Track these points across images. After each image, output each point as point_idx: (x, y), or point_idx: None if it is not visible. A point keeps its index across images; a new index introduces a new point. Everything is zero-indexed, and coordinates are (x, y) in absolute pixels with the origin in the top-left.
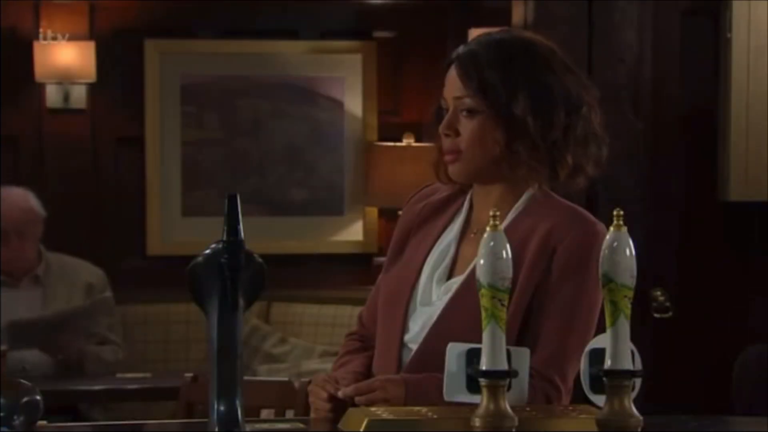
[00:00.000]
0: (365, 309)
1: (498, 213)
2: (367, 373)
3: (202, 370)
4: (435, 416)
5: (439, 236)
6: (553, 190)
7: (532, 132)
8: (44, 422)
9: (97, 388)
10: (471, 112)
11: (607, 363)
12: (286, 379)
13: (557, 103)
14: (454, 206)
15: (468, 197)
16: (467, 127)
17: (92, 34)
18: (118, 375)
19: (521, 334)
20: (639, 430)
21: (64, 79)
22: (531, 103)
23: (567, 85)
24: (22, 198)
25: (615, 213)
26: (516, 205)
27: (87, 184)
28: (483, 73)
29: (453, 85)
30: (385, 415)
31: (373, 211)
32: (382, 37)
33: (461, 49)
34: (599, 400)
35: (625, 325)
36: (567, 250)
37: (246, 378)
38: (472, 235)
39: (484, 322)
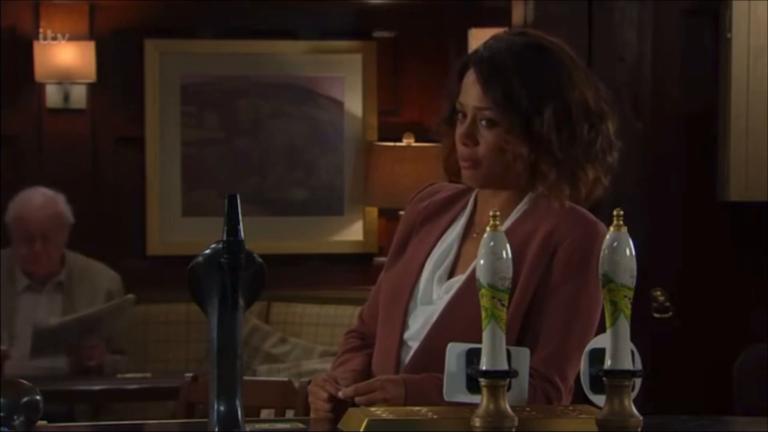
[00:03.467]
0: (366, 306)
1: (498, 213)
2: (366, 372)
3: (202, 370)
4: (435, 416)
5: (441, 235)
6: (574, 202)
7: (556, 150)
8: (44, 422)
9: (96, 388)
10: (492, 123)
11: (607, 363)
12: (286, 379)
13: (578, 119)
14: (457, 205)
15: (472, 197)
16: (487, 138)
17: (92, 34)
18: (118, 375)
19: (521, 333)
20: (639, 430)
21: (64, 79)
22: (555, 120)
23: (587, 99)
24: (51, 201)
25: (615, 213)
26: (518, 207)
27: (87, 184)
28: (506, 85)
29: (473, 93)
30: (385, 415)
31: (373, 211)
32: (382, 37)
33: (480, 53)
34: (599, 400)
35: (625, 325)
36: (568, 250)
37: (246, 378)
38: (475, 235)
39: (484, 322)
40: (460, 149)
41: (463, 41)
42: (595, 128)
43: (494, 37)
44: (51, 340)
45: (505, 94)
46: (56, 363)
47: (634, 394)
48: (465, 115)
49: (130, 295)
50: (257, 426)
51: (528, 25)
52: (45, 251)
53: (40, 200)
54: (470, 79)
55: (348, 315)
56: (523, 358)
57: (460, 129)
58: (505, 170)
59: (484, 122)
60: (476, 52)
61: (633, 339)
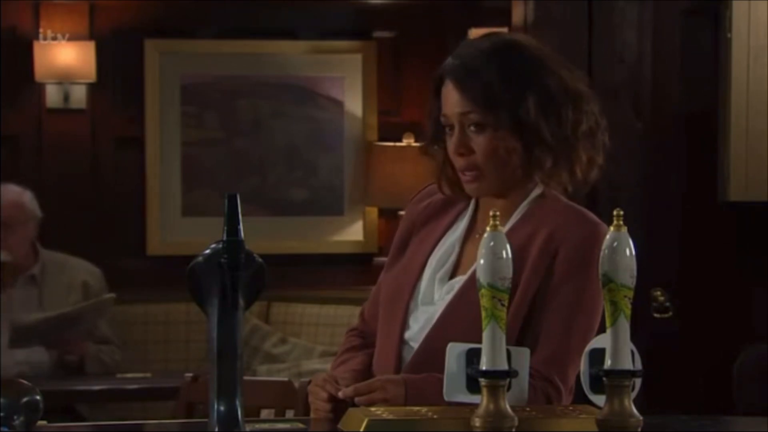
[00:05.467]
0: (367, 305)
1: (498, 213)
2: (366, 372)
3: (202, 370)
4: (435, 416)
5: (442, 235)
6: (574, 186)
7: (546, 135)
8: (44, 422)
9: (96, 388)
10: (480, 126)
11: (607, 363)
12: (286, 379)
13: (562, 102)
14: (458, 206)
15: (473, 198)
16: (479, 142)
17: (92, 34)
18: (118, 375)
19: (522, 334)
20: (639, 430)
21: (64, 79)
22: (540, 107)
23: (565, 81)
24: (16, 194)
25: (615, 213)
26: (519, 208)
27: (87, 183)
28: (484, 84)
29: (454, 101)
30: (385, 415)
31: (373, 211)
32: (382, 37)
33: (451, 62)
34: (599, 400)
35: (625, 325)
36: (569, 250)
37: (246, 378)
38: (477, 236)
39: (484, 322)
40: (457, 161)
41: (464, 41)
42: (578, 108)
43: (461, 46)
44: (29, 336)
45: (484, 93)
46: (33, 355)
47: (634, 394)
48: (452, 127)
49: (111, 294)
50: (257, 426)
51: (528, 25)
52: (11, 242)
53: (5, 192)
54: (448, 88)
55: (348, 315)
56: (523, 358)
57: (452, 141)
58: (503, 171)
59: (472, 128)
60: (446, 63)
61: (633, 339)
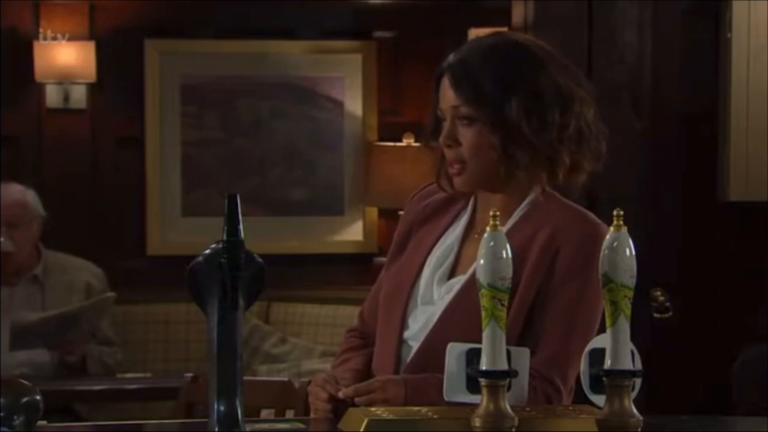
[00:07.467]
0: (366, 305)
1: (498, 213)
2: (366, 371)
3: (202, 370)
4: (435, 416)
5: (441, 235)
6: (554, 188)
7: (528, 135)
8: (44, 422)
9: (97, 388)
10: (468, 121)
11: (607, 363)
12: (286, 379)
13: (550, 104)
14: (457, 205)
15: (472, 198)
16: (466, 136)
17: (92, 34)
18: (118, 375)
19: (523, 334)
20: (639, 430)
21: (64, 79)
22: (524, 107)
23: (559, 84)
24: (19, 193)
25: (615, 213)
26: (519, 207)
27: (87, 184)
28: (475, 80)
29: (447, 95)
30: (385, 415)
31: (373, 211)
32: (382, 37)
33: (452, 58)
34: (599, 400)
35: (625, 325)
36: (570, 251)
37: (246, 378)
38: (476, 236)
39: (484, 322)
40: (446, 153)
41: (463, 41)
42: (568, 112)
43: (466, 43)
44: (29, 336)
45: (473, 89)
46: (35, 356)
47: (634, 394)
48: (446, 120)
49: (112, 293)
50: (257, 426)
51: (528, 25)
52: (14, 242)
53: (8, 191)
54: (444, 84)
55: (348, 315)
56: (523, 358)
57: (443, 132)
58: (485, 167)
59: (462, 121)
60: (448, 58)
61: (633, 339)
